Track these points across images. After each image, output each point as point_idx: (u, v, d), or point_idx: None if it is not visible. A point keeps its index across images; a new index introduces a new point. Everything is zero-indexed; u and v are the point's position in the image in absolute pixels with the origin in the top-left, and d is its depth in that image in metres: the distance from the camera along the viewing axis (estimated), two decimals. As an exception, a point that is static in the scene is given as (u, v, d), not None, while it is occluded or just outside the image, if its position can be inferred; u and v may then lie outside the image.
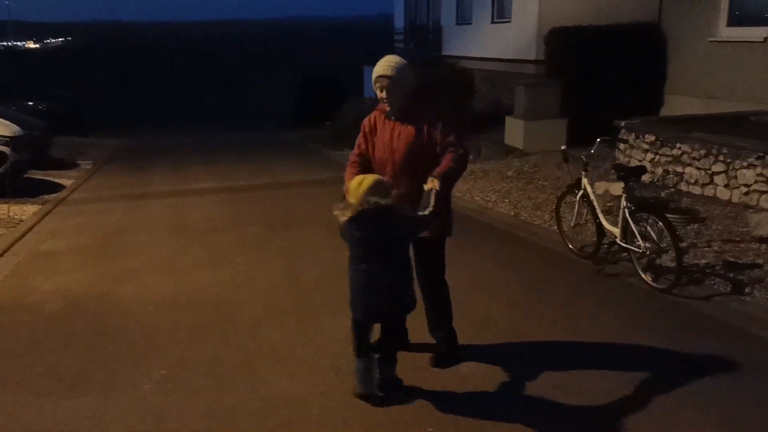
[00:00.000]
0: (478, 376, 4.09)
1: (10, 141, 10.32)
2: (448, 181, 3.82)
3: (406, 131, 3.97)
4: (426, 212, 3.71)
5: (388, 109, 4.01)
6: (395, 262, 3.67)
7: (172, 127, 26.40)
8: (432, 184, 3.73)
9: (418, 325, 4.34)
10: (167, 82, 50.35)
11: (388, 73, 3.88)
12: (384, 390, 3.82)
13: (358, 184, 3.58)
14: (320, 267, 6.21)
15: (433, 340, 4.36)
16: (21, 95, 18.77)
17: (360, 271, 3.66)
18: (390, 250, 3.64)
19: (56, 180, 11.87)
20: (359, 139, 4.18)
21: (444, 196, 3.84)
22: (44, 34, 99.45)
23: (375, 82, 3.95)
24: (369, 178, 3.63)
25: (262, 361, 4.35)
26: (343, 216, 3.59)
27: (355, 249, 3.66)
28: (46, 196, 10.30)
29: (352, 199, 3.57)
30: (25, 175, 11.21)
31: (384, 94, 3.93)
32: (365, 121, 4.18)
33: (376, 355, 3.85)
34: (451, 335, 4.32)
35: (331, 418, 3.65)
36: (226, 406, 3.80)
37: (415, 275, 3.97)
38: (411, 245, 3.96)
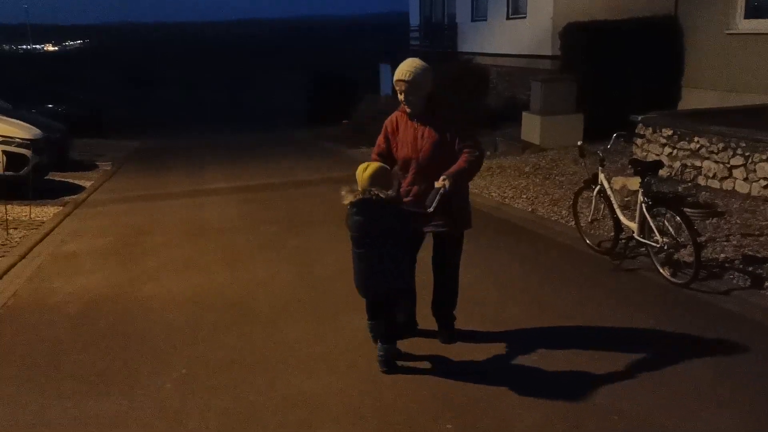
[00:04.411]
0: (498, 370, 4.12)
1: (31, 144, 10.44)
2: (459, 181, 4.08)
3: (429, 132, 4.16)
4: (429, 209, 3.95)
5: (408, 110, 4.19)
6: (388, 249, 3.89)
7: (187, 127, 26.58)
8: (442, 183, 3.99)
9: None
10: (182, 83, 50.79)
11: (406, 77, 4.09)
12: (386, 366, 4.08)
13: (363, 171, 3.86)
14: (336, 265, 6.23)
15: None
16: (41, 98, 18.98)
17: (356, 254, 3.96)
18: (383, 239, 3.86)
19: (76, 182, 12.03)
20: (380, 139, 4.36)
21: (456, 194, 4.09)
22: (62, 37, 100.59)
23: (395, 85, 4.17)
24: (372, 166, 3.89)
25: (280, 360, 4.38)
26: (345, 200, 3.85)
27: (354, 233, 3.91)
28: (66, 198, 10.44)
29: (358, 185, 3.84)
30: (46, 177, 11.36)
31: (403, 97, 4.14)
32: (387, 122, 4.35)
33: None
34: (453, 318, 4.59)
35: (349, 415, 3.67)
36: (245, 404, 3.84)
37: (431, 262, 4.46)
38: (432, 236, 4.31)
